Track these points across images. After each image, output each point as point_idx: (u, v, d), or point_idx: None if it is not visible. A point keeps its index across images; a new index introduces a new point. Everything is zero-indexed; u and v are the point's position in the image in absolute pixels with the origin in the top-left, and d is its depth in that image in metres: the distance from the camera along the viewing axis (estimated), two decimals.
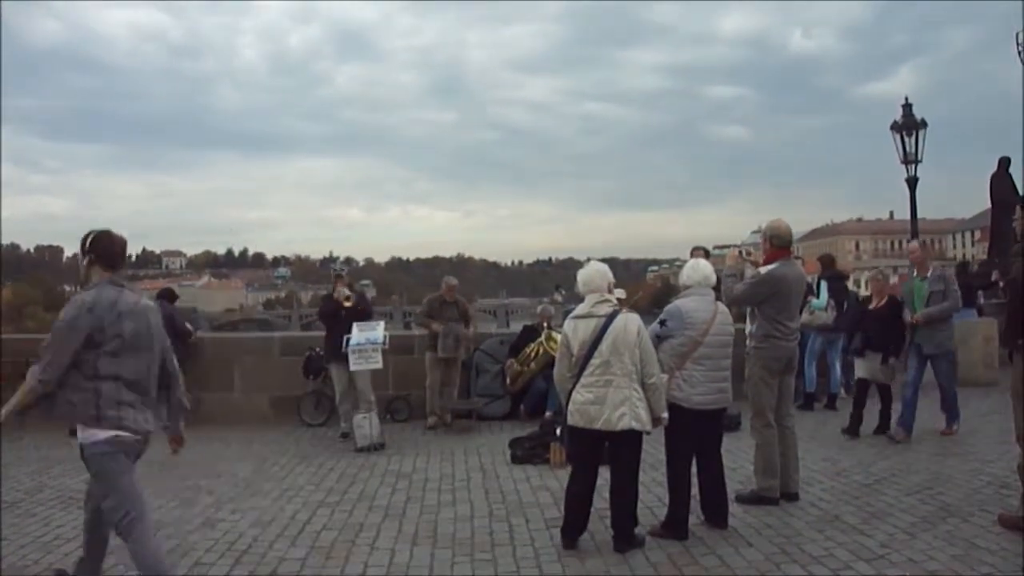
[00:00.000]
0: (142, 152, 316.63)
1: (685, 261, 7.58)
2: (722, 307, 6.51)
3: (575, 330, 5.93)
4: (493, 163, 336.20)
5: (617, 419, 5.66)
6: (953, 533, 5.96)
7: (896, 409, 9.60)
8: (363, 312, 11.06)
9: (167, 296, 13.07)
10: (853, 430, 9.61)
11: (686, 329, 6.17)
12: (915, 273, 9.85)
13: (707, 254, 12.02)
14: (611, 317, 5.84)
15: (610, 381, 5.70)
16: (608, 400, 5.68)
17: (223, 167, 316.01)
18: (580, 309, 6.07)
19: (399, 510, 7.16)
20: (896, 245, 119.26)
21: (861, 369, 9.93)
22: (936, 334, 9.37)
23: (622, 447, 5.82)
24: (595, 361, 5.76)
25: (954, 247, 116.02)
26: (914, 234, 18.65)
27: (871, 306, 10.09)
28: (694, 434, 6.19)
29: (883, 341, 9.63)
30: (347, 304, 11.12)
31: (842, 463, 8.30)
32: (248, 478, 8.54)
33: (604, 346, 5.76)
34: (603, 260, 6.86)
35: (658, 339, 6.19)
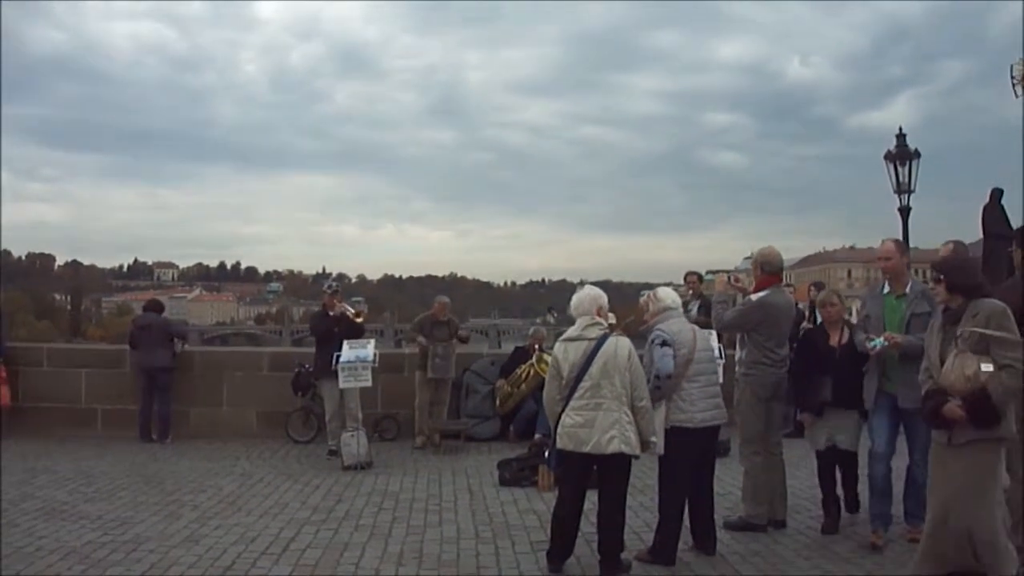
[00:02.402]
0: (139, 163, 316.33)
1: (680, 285, 7.58)
2: (694, 326, 6.55)
3: (565, 353, 5.92)
4: (489, 184, 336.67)
5: (607, 443, 5.63)
6: None
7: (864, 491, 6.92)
8: (356, 329, 11.03)
9: (154, 308, 13.07)
10: (832, 527, 6.83)
11: (680, 348, 6.14)
12: (887, 288, 6.65)
13: (700, 279, 12.07)
14: (601, 340, 5.82)
15: (600, 404, 5.68)
16: (597, 423, 5.66)
17: (219, 181, 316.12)
18: (571, 332, 6.05)
19: (385, 530, 7.12)
20: None
21: (821, 435, 6.84)
22: (913, 379, 5.63)
23: (611, 471, 5.79)
24: (585, 384, 5.74)
25: None
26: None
27: (833, 340, 6.92)
28: (694, 456, 6.17)
29: (858, 392, 6.57)
30: (358, 321, 11.15)
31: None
32: (233, 494, 8.49)
33: (594, 369, 5.74)
34: (596, 283, 6.87)
35: (669, 376, 6.06)
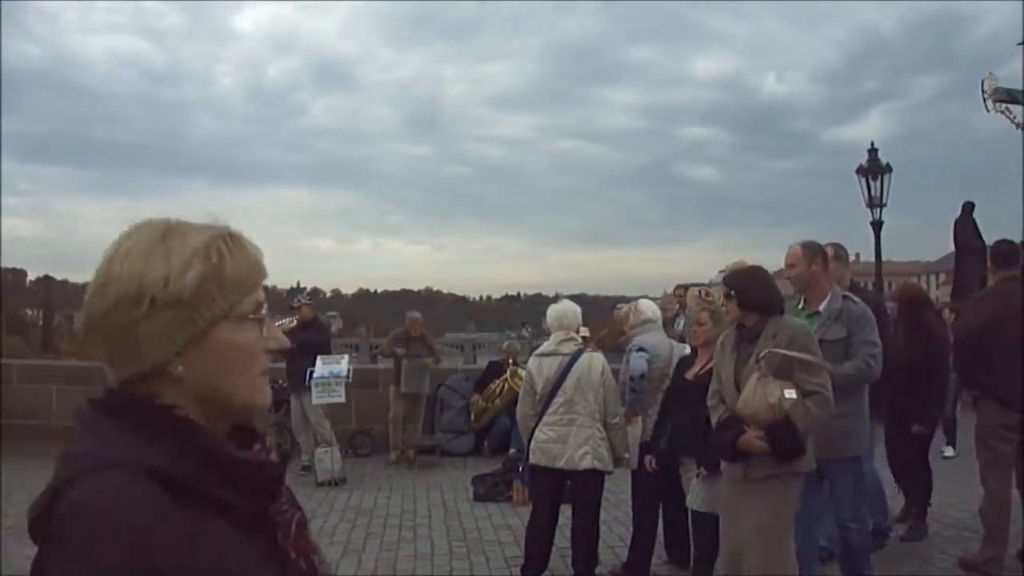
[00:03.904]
0: (115, 177, 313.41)
1: (657, 299, 7.58)
2: (672, 340, 6.56)
3: (539, 367, 5.92)
4: (466, 198, 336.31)
5: (580, 458, 5.63)
6: (915, 575, 5.96)
7: None
8: (319, 343, 10.85)
9: None
10: None
11: (655, 360, 6.14)
12: (801, 303, 5.40)
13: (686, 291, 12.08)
14: (575, 356, 5.83)
15: (573, 420, 5.68)
16: (571, 439, 5.66)
17: (195, 194, 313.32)
18: (545, 347, 6.07)
19: (358, 546, 7.09)
20: (861, 287, 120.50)
21: (698, 498, 5.31)
22: (833, 422, 4.57)
23: (584, 486, 5.79)
24: (559, 399, 5.74)
25: None
26: (878, 276, 18.87)
27: (691, 371, 5.65)
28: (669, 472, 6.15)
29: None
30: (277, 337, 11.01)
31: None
32: None
33: (568, 384, 5.74)
34: (571, 297, 6.88)
35: (643, 376, 6.02)
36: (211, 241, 1.22)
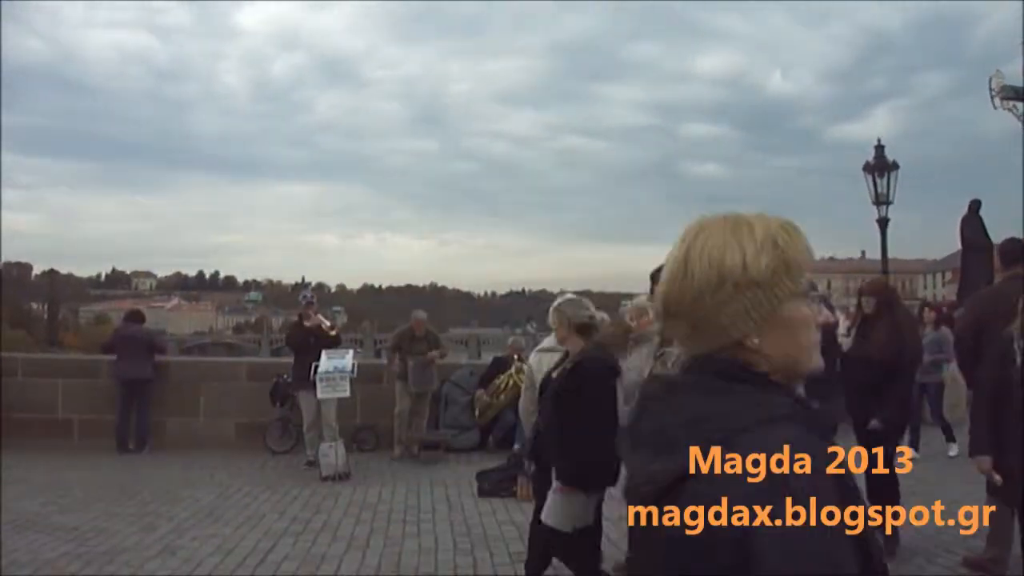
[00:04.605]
0: (119, 172, 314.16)
1: None
2: None
3: (539, 364, 5.91)
4: (471, 194, 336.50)
5: None
6: (918, 575, 5.95)
7: None
8: (331, 341, 11.00)
9: (135, 318, 13.03)
10: None
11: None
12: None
13: None
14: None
15: None
16: None
17: (199, 190, 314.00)
18: (546, 342, 6.05)
19: (363, 542, 7.08)
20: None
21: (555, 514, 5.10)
22: None
23: None
24: None
25: (924, 288, 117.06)
26: (884, 273, 18.82)
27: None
28: None
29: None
30: (332, 333, 11.14)
31: None
32: (210, 504, 8.43)
33: None
34: (577, 293, 6.83)
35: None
36: (776, 230, 1.40)
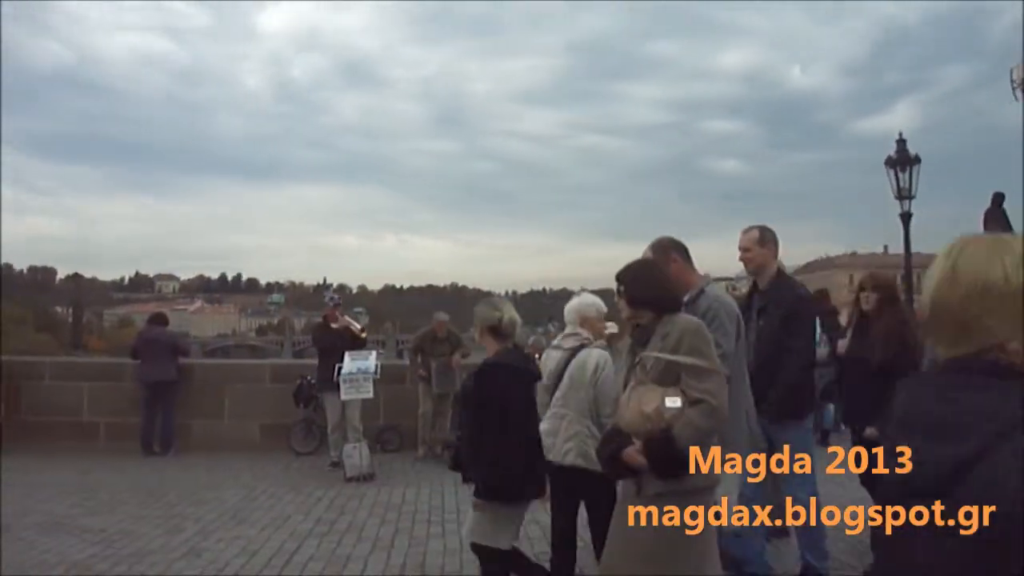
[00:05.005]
0: (141, 176, 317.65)
1: None
2: None
3: (546, 361, 5.91)
4: (491, 194, 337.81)
5: (564, 454, 5.54)
6: None
7: None
8: (358, 342, 11.05)
9: (159, 321, 13.11)
10: None
11: None
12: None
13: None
14: (575, 351, 5.78)
15: (565, 415, 5.62)
16: (560, 433, 5.59)
17: (221, 193, 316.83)
18: (558, 339, 6.06)
19: (387, 542, 7.10)
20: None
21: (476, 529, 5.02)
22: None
23: (571, 482, 5.70)
24: (557, 394, 5.71)
25: None
26: (908, 268, 18.71)
27: None
28: None
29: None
30: (362, 336, 11.19)
31: (844, 499, 8.22)
32: (236, 506, 8.47)
33: (564, 380, 5.71)
34: (597, 291, 6.83)
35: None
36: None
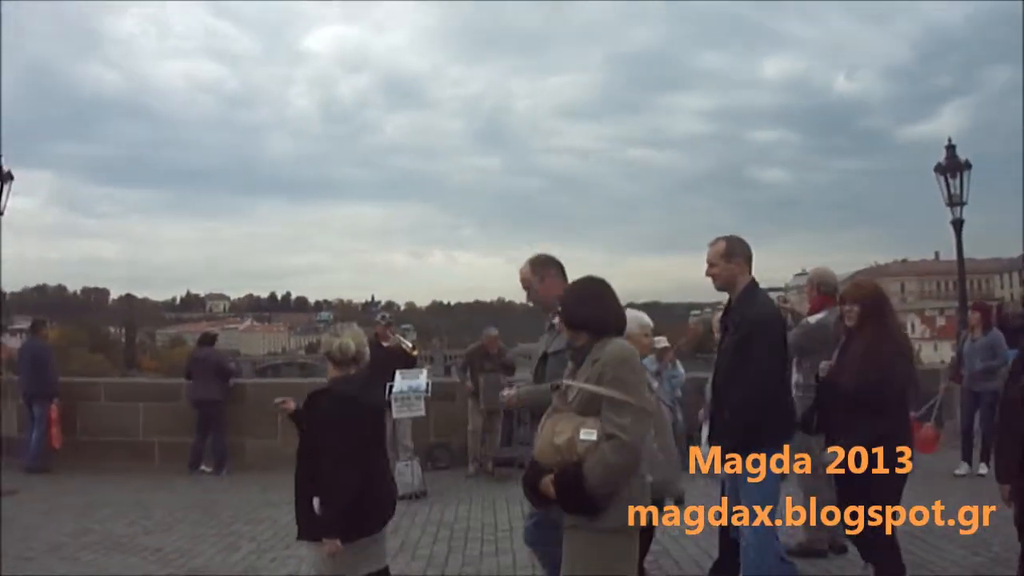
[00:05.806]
0: (192, 198, 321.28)
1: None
2: None
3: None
4: (537, 209, 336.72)
5: None
6: None
7: None
8: (409, 361, 11.07)
9: (207, 341, 13.24)
10: None
11: None
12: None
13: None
14: None
15: None
16: None
17: (271, 213, 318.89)
18: None
19: (441, 560, 7.10)
20: (943, 286, 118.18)
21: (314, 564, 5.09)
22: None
23: None
24: None
25: (1001, 287, 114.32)
26: (961, 275, 18.39)
27: None
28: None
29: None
30: (413, 354, 11.24)
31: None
32: (290, 525, 8.42)
33: None
34: (644, 304, 6.81)
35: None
36: None
